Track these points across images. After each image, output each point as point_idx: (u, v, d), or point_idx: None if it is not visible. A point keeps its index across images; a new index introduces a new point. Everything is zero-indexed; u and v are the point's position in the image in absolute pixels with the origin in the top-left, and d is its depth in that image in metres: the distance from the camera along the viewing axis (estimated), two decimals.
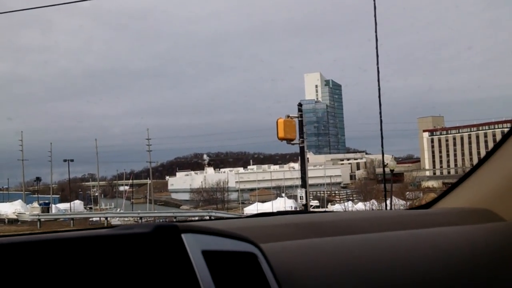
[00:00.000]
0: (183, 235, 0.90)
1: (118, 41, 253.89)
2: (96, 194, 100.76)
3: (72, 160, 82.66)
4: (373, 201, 42.57)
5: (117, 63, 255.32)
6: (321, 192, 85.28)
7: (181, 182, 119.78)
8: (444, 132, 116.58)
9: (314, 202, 66.20)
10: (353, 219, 1.78)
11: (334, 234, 1.49)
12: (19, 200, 76.45)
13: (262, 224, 1.65)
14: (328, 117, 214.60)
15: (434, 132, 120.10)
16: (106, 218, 54.53)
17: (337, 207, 55.03)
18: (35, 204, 73.83)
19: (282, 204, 57.67)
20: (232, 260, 0.97)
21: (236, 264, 0.97)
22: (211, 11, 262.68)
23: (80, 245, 0.84)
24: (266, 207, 56.44)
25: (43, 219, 58.94)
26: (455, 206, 2.01)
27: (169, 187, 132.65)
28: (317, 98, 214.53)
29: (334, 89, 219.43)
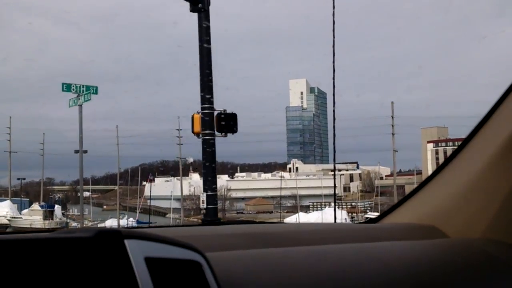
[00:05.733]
0: (126, 241, 0.88)
1: (77, 44, 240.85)
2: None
3: (85, 151, 65.21)
4: None
5: (75, 66, 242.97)
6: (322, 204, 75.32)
7: (161, 188, 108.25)
8: (450, 143, 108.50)
9: (373, 215, 56.25)
10: (301, 231, 1.84)
11: (281, 245, 1.50)
12: (8, 201, 62.57)
13: (210, 233, 1.67)
14: (314, 125, 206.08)
15: (439, 144, 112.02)
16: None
17: None
18: (36, 206, 59.63)
19: (332, 216, 46.56)
20: (176, 268, 0.95)
21: (180, 272, 0.95)
22: (174, 18, 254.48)
23: (16, 248, 0.81)
24: (314, 218, 45.43)
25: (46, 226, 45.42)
26: (402, 221, 2.04)
27: (146, 194, 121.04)
28: (302, 105, 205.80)
29: (319, 96, 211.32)
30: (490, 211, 1.73)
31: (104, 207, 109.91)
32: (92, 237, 0.86)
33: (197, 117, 13.54)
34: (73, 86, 25.19)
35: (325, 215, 46.71)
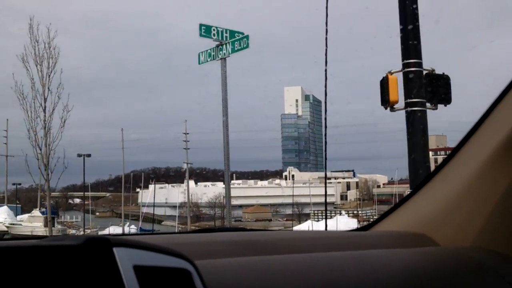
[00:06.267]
0: (114, 249, 0.87)
1: (69, 49, 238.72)
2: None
3: (89, 155, 59.57)
4: None
5: (67, 72, 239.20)
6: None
7: (153, 195, 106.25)
8: (449, 152, 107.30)
9: None
10: (292, 239, 1.85)
11: (272, 253, 1.51)
12: (5, 207, 59.09)
13: (200, 240, 1.67)
14: (309, 133, 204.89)
15: (438, 152, 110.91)
16: None
17: None
18: (36, 212, 56.44)
19: (345, 223, 44.23)
20: (165, 276, 0.94)
21: (169, 281, 0.94)
22: (168, 24, 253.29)
23: (4, 255, 0.79)
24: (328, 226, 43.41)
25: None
26: (392, 229, 2.06)
27: (139, 201, 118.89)
28: (297, 113, 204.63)
29: (314, 104, 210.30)
30: (481, 219, 1.74)
31: (97, 213, 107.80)
32: (80, 245, 0.85)
33: (393, 80, 8.91)
34: (214, 29, 16.30)
35: (338, 223, 44.89)
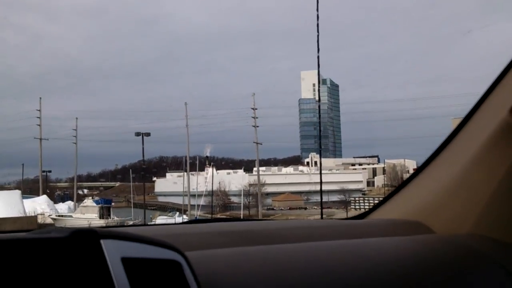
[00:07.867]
0: (102, 241, 0.86)
1: (69, 39, 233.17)
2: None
3: (148, 134, 54.30)
4: None
5: (67, 62, 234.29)
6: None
7: (172, 184, 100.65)
8: None
9: None
10: (287, 228, 1.83)
11: (266, 243, 1.50)
12: (44, 196, 54.09)
13: (193, 231, 1.64)
14: (327, 119, 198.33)
15: None
16: None
17: None
18: (89, 202, 50.93)
19: None
20: (154, 268, 0.92)
21: (158, 272, 0.93)
22: (166, 13, 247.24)
23: None
24: None
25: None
26: (388, 217, 2.06)
27: (157, 190, 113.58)
28: (315, 97, 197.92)
29: (332, 89, 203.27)
30: (477, 206, 1.73)
31: (112, 204, 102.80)
32: (67, 237, 0.84)
33: None
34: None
35: None
